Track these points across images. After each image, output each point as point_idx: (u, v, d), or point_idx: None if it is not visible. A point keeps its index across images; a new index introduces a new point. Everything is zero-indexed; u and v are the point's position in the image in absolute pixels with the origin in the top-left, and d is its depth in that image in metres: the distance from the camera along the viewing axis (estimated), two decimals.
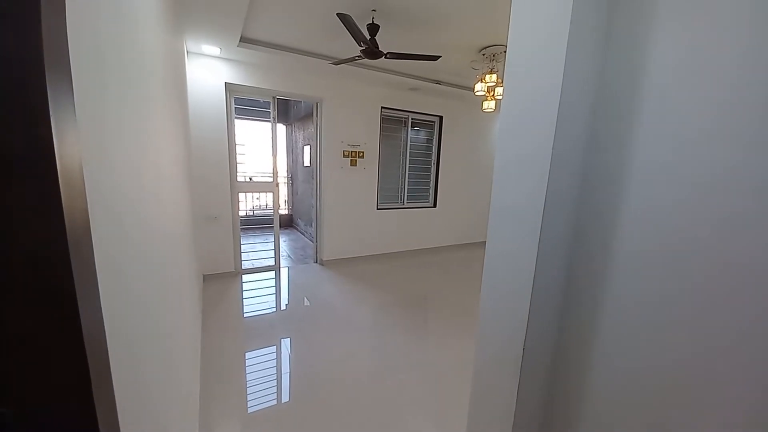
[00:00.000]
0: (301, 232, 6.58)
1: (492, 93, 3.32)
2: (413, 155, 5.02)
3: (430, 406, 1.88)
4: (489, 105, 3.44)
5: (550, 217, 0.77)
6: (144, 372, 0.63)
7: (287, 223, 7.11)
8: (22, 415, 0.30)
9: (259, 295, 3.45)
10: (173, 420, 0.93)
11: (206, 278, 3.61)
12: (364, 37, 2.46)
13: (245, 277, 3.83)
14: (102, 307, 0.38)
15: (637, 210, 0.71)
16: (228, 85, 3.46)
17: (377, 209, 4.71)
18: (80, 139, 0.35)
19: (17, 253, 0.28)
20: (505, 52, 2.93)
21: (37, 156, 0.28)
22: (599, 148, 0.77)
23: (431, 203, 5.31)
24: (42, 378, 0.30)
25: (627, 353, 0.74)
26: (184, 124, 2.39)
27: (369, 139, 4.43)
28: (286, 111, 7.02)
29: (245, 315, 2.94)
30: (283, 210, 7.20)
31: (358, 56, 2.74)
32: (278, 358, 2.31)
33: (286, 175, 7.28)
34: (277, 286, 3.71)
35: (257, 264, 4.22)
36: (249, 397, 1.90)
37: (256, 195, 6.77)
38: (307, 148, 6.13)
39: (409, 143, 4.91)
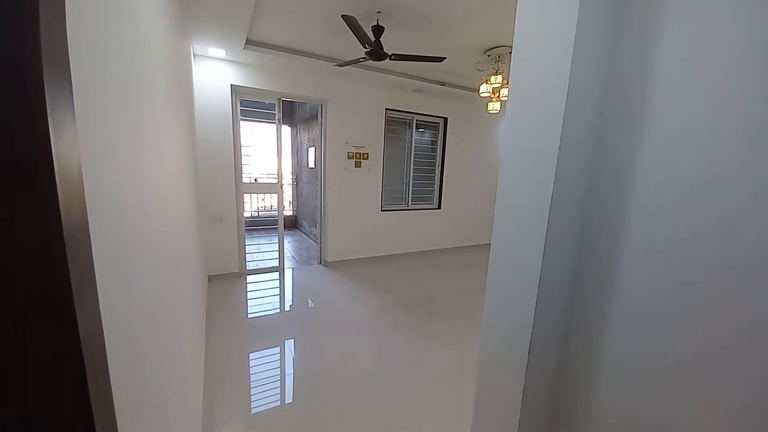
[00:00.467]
0: (305, 233, 6.60)
1: (497, 94, 3.30)
2: (418, 156, 5.01)
3: (434, 408, 1.87)
4: (494, 106, 3.42)
5: (557, 216, 0.76)
6: (144, 372, 0.63)
7: (292, 224, 7.14)
8: (23, 415, 0.30)
9: (263, 295, 3.46)
10: (175, 420, 0.93)
11: (211, 279, 3.63)
12: (369, 38, 2.46)
13: (249, 278, 3.85)
14: (101, 308, 0.38)
15: (645, 209, 0.69)
16: (234, 87, 3.49)
17: (381, 211, 4.71)
18: (79, 139, 0.35)
19: (13, 255, 0.28)
20: (510, 53, 2.92)
21: (35, 156, 0.28)
22: (606, 147, 0.76)
23: (436, 205, 5.30)
24: (39, 380, 0.30)
25: (634, 353, 0.73)
26: (190, 125, 2.41)
27: (373, 141, 4.44)
28: (291, 113, 7.05)
29: (249, 316, 2.95)
30: (288, 211, 7.23)
31: (363, 58, 2.74)
32: (282, 359, 2.31)
33: (290, 176, 7.30)
34: (281, 287, 3.72)
35: (262, 265, 4.24)
36: (252, 398, 1.90)
37: (260, 196, 6.81)
38: (311, 150, 6.15)
39: (413, 144, 4.90)
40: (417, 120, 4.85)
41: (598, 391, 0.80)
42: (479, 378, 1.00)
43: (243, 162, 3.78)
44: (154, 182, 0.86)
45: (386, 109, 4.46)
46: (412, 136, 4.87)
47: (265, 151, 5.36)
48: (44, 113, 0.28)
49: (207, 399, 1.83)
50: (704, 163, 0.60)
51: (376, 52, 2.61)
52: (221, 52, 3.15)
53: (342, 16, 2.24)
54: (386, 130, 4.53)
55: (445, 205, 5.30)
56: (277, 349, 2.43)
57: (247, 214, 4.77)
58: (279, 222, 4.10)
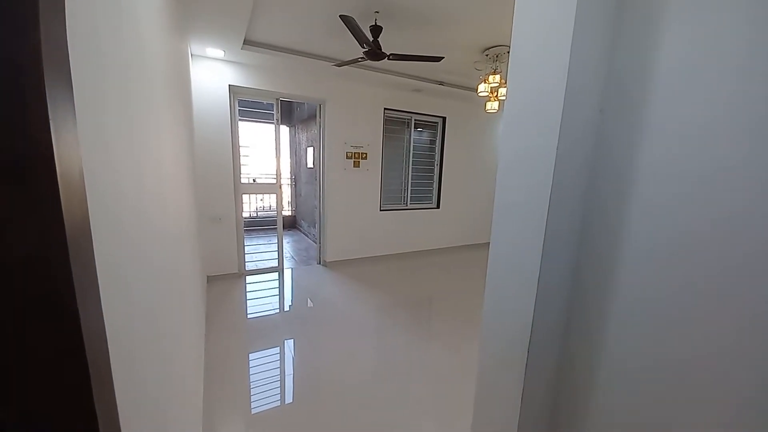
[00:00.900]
0: (304, 234, 6.59)
1: (495, 94, 3.31)
2: (416, 156, 5.02)
3: (434, 408, 1.87)
4: (492, 106, 3.42)
5: (556, 215, 0.76)
6: (144, 372, 0.63)
7: (291, 224, 7.13)
8: (23, 416, 0.30)
9: (262, 296, 3.46)
10: (175, 420, 0.93)
11: (210, 279, 3.63)
12: (367, 38, 2.46)
13: (249, 278, 3.84)
14: (103, 309, 0.38)
15: (645, 208, 0.69)
16: (232, 87, 3.48)
17: (380, 210, 4.71)
18: (80, 140, 0.35)
19: (16, 257, 0.28)
20: (508, 52, 2.92)
21: (35, 156, 0.28)
22: (605, 145, 0.76)
23: (434, 204, 5.30)
24: (43, 382, 0.30)
25: (634, 353, 0.73)
26: (188, 125, 2.40)
27: (372, 141, 4.43)
28: (289, 113, 7.05)
29: (249, 316, 2.95)
30: (287, 211, 7.22)
31: (361, 58, 2.74)
32: (282, 359, 2.31)
33: (289, 176, 7.30)
34: (281, 287, 3.72)
35: (261, 265, 4.23)
36: (253, 398, 1.90)
37: (259, 196, 6.81)
38: (310, 150, 6.14)
39: (412, 144, 4.90)
40: (415, 119, 4.86)
41: (598, 390, 0.80)
42: (479, 378, 1.00)
43: (241, 162, 3.77)
44: (154, 182, 0.86)
45: (385, 108, 4.46)
46: (410, 135, 4.87)
47: (264, 152, 5.36)
48: (45, 114, 0.28)
49: (207, 399, 1.83)
50: (704, 162, 0.60)
51: (375, 52, 2.61)
52: (219, 53, 3.14)
53: (340, 16, 2.24)
54: (385, 130, 4.53)
55: (444, 204, 5.31)
56: (277, 350, 2.43)
57: (245, 215, 4.77)
58: (278, 222, 4.10)
